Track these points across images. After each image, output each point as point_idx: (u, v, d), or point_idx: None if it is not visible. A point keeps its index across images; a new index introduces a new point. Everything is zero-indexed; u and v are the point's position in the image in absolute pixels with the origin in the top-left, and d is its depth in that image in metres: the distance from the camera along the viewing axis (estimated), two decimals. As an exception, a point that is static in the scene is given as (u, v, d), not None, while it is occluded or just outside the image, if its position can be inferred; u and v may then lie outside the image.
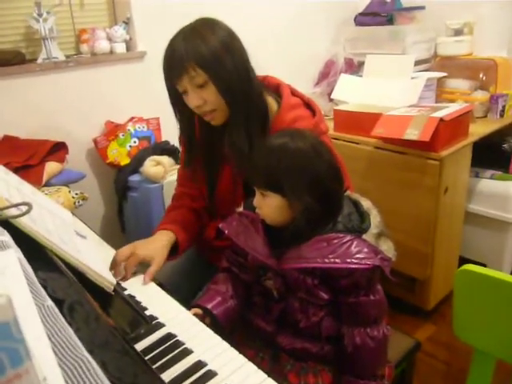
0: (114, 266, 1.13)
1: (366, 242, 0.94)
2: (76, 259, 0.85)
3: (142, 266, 1.17)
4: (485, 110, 2.27)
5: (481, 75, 2.33)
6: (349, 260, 0.90)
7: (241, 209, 1.09)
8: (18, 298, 0.34)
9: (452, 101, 2.29)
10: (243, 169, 1.16)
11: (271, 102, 1.22)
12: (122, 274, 1.13)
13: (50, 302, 0.46)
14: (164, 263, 1.20)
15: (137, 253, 1.16)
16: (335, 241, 0.93)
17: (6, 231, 0.65)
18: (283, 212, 0.97)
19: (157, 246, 1.22)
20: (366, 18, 2.69)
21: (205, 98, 1.12)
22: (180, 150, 1.44)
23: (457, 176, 1.92)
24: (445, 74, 2.34)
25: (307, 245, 0.94)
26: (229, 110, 1.15)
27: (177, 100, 1.18)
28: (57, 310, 0.46)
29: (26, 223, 0.77)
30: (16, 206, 0.75)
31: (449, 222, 1.95)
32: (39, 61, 1.91)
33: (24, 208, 0.74)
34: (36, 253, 0.77)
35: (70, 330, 0.42)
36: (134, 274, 1.15)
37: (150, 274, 1.14)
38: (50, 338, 0.38)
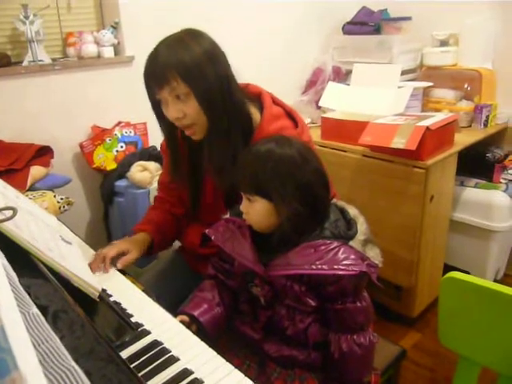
0: (94, 262, 1.16)
1: (352, 248, 0.94)
2: (61, 265, 0.84)
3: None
4: (469, 119, 2.30)
5: (466, 85, 2.36)
6: (336, 266, 0.91)
7: (227, 215, 1.09)
8: (2, 305, 0.33)
9: (438, 110, 2.32)
10: (224, 183, 1.16)
11: (254, 112, 1.21)
12: (101, 269, 1.16)
13: (35, 310, 0.45)
14: (139, 257, 1.26)
15: (117, 244, 1.24)
16: (322, 247, 0.93)
17: (-11, 236, 0.64)
18: (270, 217, 0.97)
19: (134, 242, 1.28)
20: (353, 27, 2.71)
21: (184, 111, 1.10)
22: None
23: (442, 184, 1.93)
24: (431, 84, 2.37)
25: (294, 251, 0.94)
26: (208, 124, 1.13)
27: (158, 110, 1.15)
28: (42, 318, 0.45)
29: (10, 228, 0.76)
30: (0, 210, 0.74)
31: (434, 229, 1.97)
32: (25, 63, 1.89)
33: (8, 213, 0.72)
34: (19, 258, 0.75)
35: (57, 339, 0.41)
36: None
37: (124, 260, 1.20)
38: (35, 347, 0.37)
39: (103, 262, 1.17)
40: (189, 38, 1.09)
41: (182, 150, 1.25)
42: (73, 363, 0.38)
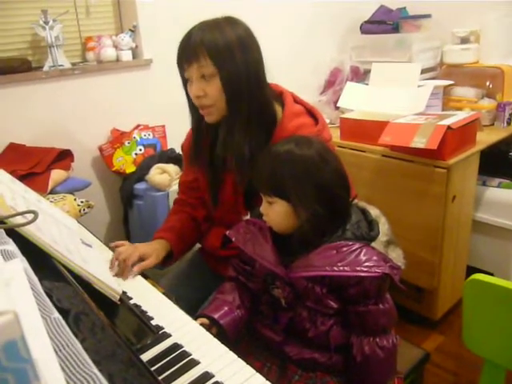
0: (114, 264, 1.17)
1: (375, 249, 0.93)
2: (82, 268, 0.84)
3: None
4: (491, 118, 2.25)
5: (487, 83, 2.32)
6: (358, 268, 0.89)
7: (248, 217, 1.09)
8: (23, 310, 0.33)
9: (459, 109, 2.28)
10: (242, 173, 1.15)
11: (277, 109, 1.21)
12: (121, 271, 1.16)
13: (56, 315, 0.44)
14: (157, 265, 1.26)
15: (137, 248, 1.23)
16: (344, 249, 0.91)
17: (11, 240, 0.64)
18: (290, 218, 0.96)
19: (154, 247, 1.28)
20: (371, 26, 2.68)
21: (206, 91, 1.11)
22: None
23: (464, 184, 1.90)
24: (451, 82, 2.33)
25: (316, 253, 0.93)
26: (228, 110, 1.13)
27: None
28: (64, 323, 0.44)
29: (31, 232, 0.76)
30: (22, 214, 0.74)
31: (456, 230, 1.93)
32: (45, 68, 1.92)
33: (30, 216, 0.73)
34: (41, 261, 0.76)
35: (78, 344, 0.41)
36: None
37: (141, 266, 1.19)
38: (56, 353, 0.37)
39: (123, 265, 1.17)
40: (224, 23, 1.11)
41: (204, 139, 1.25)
42: (94, 370, 0.38)
